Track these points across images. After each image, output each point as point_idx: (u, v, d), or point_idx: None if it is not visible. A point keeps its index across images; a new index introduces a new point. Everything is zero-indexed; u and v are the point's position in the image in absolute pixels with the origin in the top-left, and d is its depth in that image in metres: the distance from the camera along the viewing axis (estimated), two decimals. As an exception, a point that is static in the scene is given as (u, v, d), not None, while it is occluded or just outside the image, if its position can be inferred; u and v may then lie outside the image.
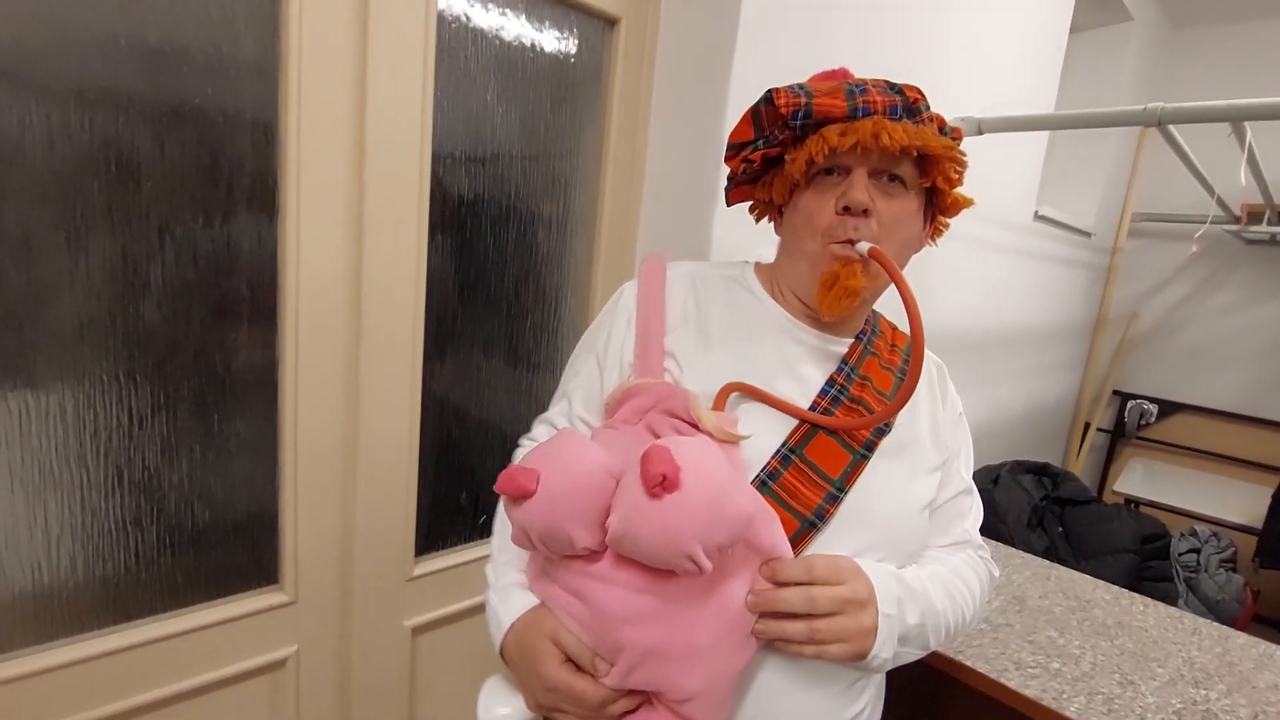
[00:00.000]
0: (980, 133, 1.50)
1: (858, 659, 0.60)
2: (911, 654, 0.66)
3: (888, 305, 0.74)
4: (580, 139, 1.24)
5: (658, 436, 0.62)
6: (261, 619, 0.98)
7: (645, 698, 0.60)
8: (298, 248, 0.91)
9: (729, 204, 0.79)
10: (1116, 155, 2.93)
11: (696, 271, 0.77)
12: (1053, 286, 2.64)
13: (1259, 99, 1.20)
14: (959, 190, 0.70)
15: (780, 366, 0.70)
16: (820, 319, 0.71)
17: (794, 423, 0.67)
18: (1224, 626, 1.18)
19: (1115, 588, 1.30)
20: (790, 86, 0.65)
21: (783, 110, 0.64)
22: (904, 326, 0.71)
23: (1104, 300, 3.21)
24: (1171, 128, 1.45)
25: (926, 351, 0.72)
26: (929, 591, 0.67)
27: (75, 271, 0.78)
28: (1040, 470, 2.26)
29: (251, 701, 1.00)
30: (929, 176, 0.67)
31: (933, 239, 0.76)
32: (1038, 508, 2.11)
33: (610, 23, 1.21)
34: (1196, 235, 2.49)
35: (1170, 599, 2.12)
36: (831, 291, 0.66)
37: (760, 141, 0.68)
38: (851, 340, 0.74)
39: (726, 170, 0.74)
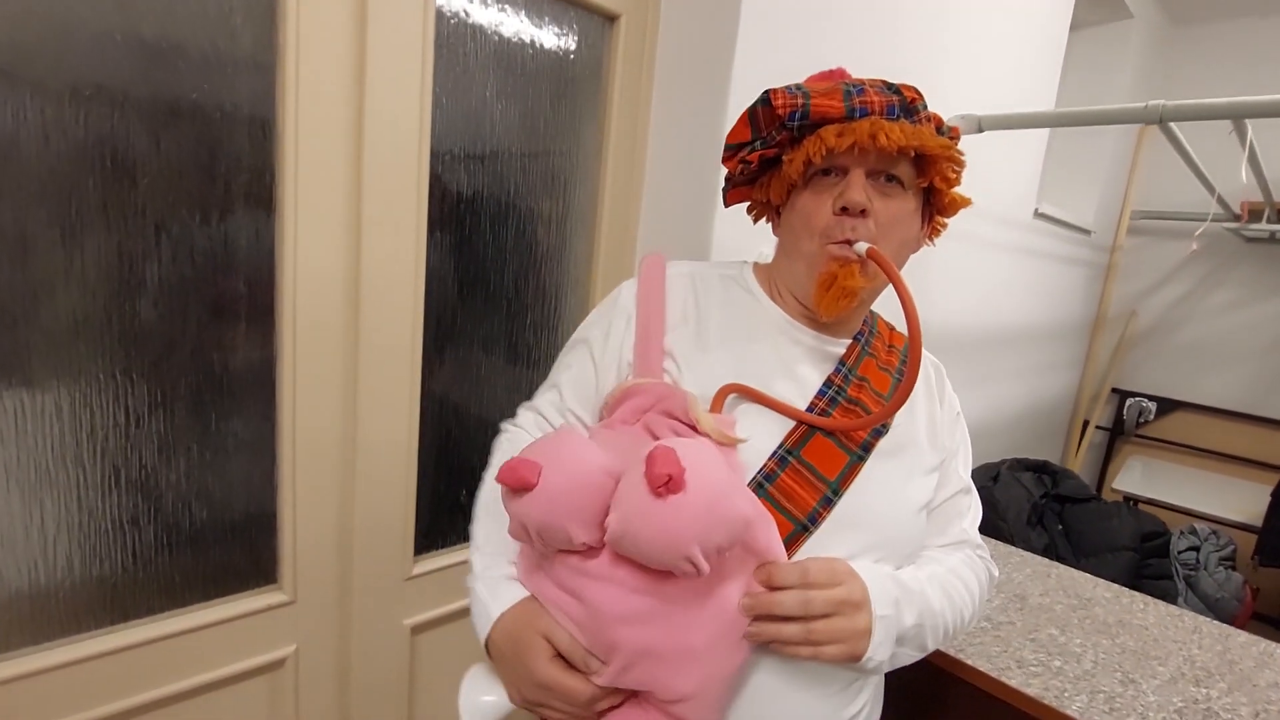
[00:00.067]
0: (981, 130, 1.49)
1: (853, 660, 0.60)
2: (909, 655, 0.66)
3: (886, 306, 0.74)
4: (580, 136, 1.24)
5: (656, 437, 0.62)
6: (260, 619, 0.98)
7: (631, 692, 0.60)
8: (296, 245, 0.91)
9: (726, 205, 0.79)
10: (1116, 153, 2.92)
11: (696, 271, 0.77)
12: (1052, 284, 2.64)
13: (1261, 96, 1.19)
14: (957, 190, 0.70)
15: (778, 367, 0.70)
16: (818, 319, 0.71)
17: (791, 424, 0.67)
18: (1224, 625, 1.18)
19: (1115, 586, 1.30)
20: (787, 87, 0.65)
21: (780, 111, 0.64)
22: (902, 327, 0.71)
23: (1103, 298, 3.21)
24: (1173, 125, 1.44)
25: (924, 352, 0.72)
26: (926, 592, 0.66)
27: (71, 269, 0.78)
28: (1040, 468, 2.26)
29: (250, 701, 1.00)
30: (926, 176, 0.67)
31: (930, 239, 0.76)
32: (1037, 505, 2.11)
33: (610, 19, 1.21)
34: (1197, 233, 2.49)
35: (1170, 597, 2.12)
36: (829, 292, 0.65)
37: (757, 142, 0.68)
38: (849, 341, 0.74)
39: (725, 170, 0.74)
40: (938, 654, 1.00)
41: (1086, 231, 2.79)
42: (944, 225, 0.75)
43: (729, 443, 0.62)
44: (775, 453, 0.65)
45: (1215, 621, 1.19)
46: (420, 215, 1.02)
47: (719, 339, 0.71)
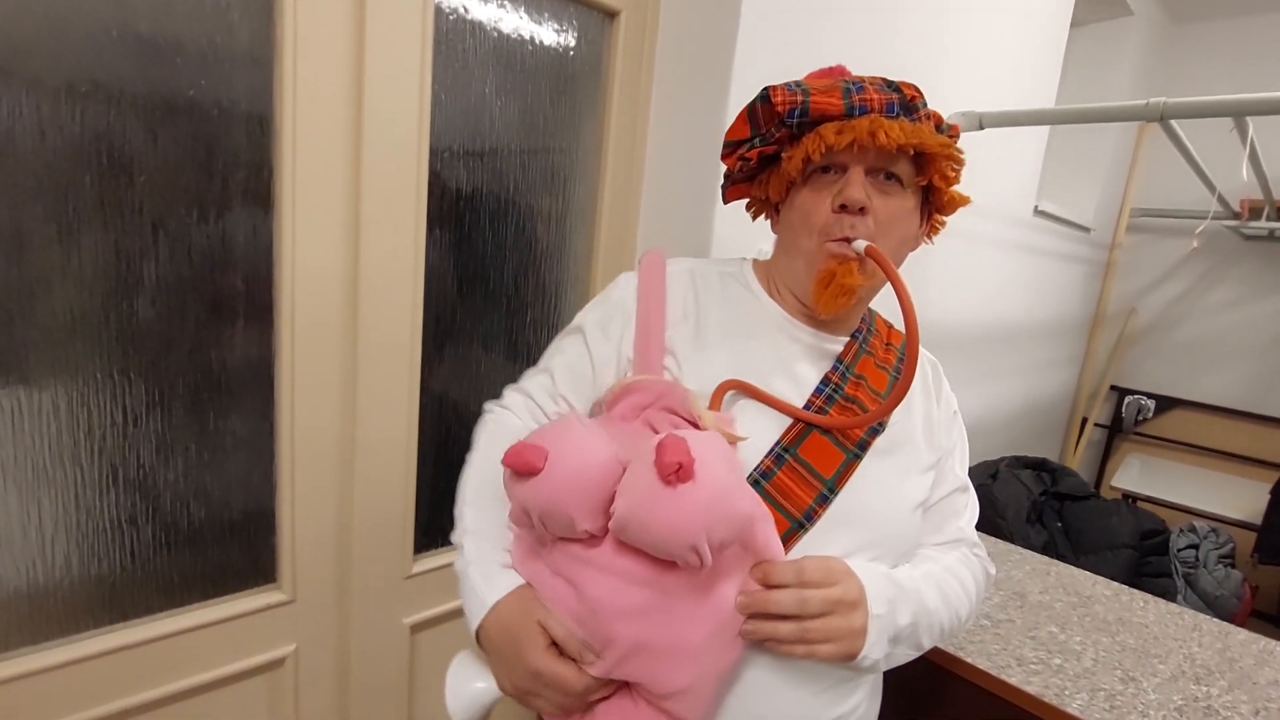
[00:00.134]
0: (982, 127, 1.49)
1: (848, 659, 0.60)
2: (905, 654, 0.66)
3: (884, 304, 0.74)
4: (580, 133, 1.24)
5: (657, 433, 0.62)
6: (259, 618, 0.98)
7: (622, 683, 0.60)
8: (294, 242, 0.91)
9: (725, 202, 0.79)
10: (1116, 150, 2.92)
11: (695, 268, 0.77)
12: (1052, 282, 2.63)
13: (1262, 94, 1.19)
14: (956, 188, 0.70)
15: (776, 365, 0.70)
16: (816, 317, 0.71)
17: (788, 421, 0.67)
18: (1224, 622, 1.18)
19: (1115, 584, 1.30)
20: (787, 84, 0.65)
21: (779, 108, 0.64)
22: (900, 325, 0.71)
23: (1102, 295, 3.21)
24: (1173, 122, 1.44)
25: (921, 350, 0.72)
26: (922, 591, 0.66)
27: (68, 266, 0.77)
28: (1039, 465, 2.26)
29: (250, 701, 1.00)
30: (926, 174, 0.66)
31: (929, 237, 0.76)
32: (1037, 503, 2.11)
33: (610, 15, 1.20)
34: (1198, 230, 2.49)
35: (1169, 595, 2.12)
36: (828, 289, 0.65)
37: (757, 139, 0.68)
38: (847, 339, 0.74)
39: (724, 167, 0.74)
40: (937, 651, 1.00)
41: (1086, 229, 2.79)
42: (943, 223, 0.75)
43: (729, 440, 0.62)
44: (772, 450, 0.65)
45: (1215, 619, 1.19)
46: (419, 212, 1.01)
47: (718, 336, 0.71)
